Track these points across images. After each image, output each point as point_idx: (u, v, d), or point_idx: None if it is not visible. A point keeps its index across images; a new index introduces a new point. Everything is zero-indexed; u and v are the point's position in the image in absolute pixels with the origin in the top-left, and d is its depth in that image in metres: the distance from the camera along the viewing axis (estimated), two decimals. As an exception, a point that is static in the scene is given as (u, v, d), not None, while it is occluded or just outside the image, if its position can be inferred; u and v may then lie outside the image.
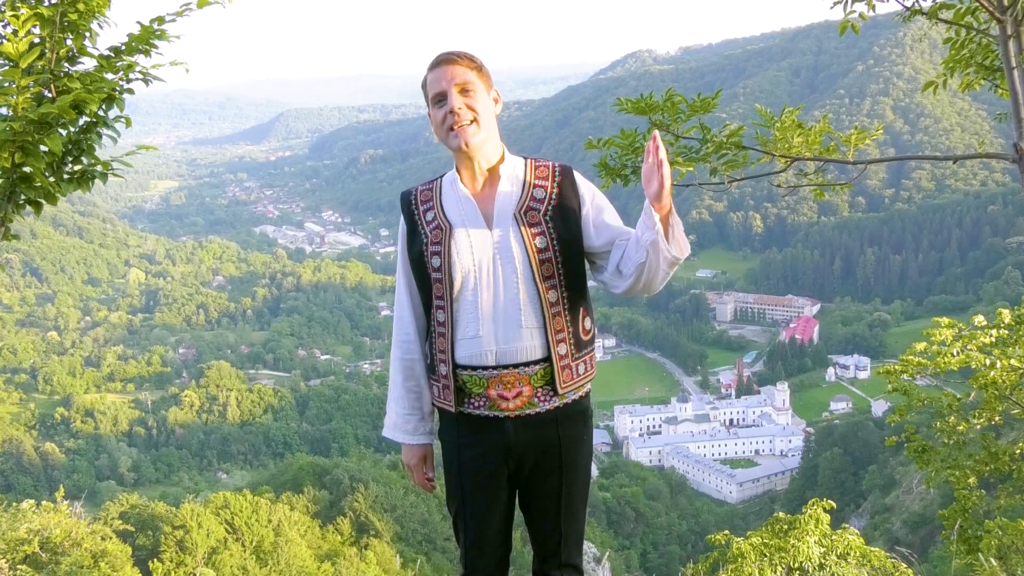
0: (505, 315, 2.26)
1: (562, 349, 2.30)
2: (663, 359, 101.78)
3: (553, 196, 2.32)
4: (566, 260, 2.30)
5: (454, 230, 2.29)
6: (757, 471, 73.17)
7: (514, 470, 2.38)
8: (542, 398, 2.31)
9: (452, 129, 2.25)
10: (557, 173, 2.35)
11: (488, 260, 2.27)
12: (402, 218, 2.43)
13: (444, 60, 2.27)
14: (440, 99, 2.27)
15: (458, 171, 2.37)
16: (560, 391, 2.30)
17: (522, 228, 2.27)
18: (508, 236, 2.27)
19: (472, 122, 2.25)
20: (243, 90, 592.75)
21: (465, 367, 2.30)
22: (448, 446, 2.44)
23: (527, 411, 2.30)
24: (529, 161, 2.39)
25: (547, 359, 2.29)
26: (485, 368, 2.28)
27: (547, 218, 2.29)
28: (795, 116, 3.90)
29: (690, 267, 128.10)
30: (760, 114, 4.00)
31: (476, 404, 2.32)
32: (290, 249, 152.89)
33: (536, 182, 2.34)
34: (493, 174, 2.34)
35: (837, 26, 4.04)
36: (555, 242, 2.28)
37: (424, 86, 2.32)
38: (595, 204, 2.37)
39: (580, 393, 2.39)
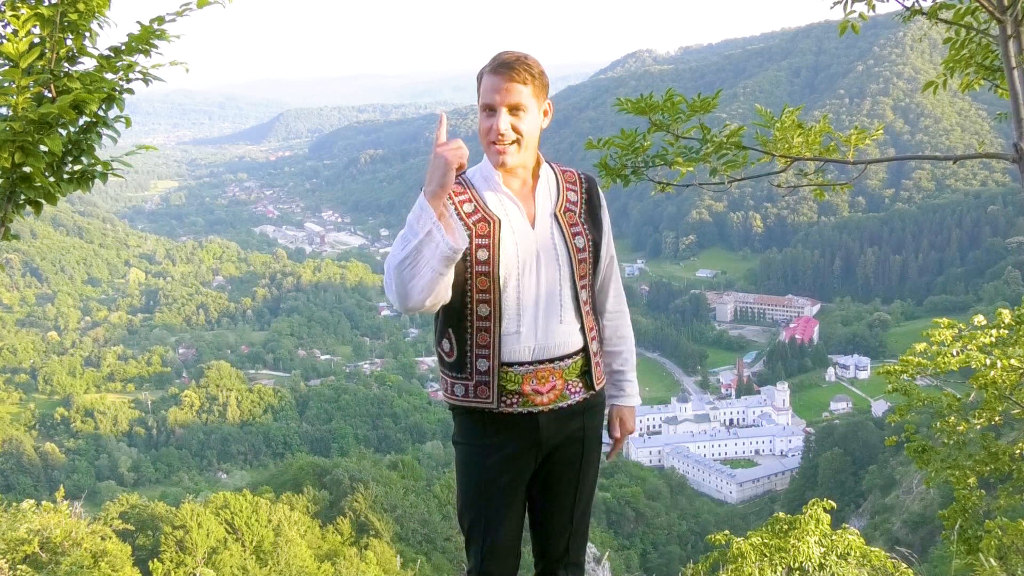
0: (546, 311, 2.30)
1: (594, 346, 2.42)
2: (663, 359, 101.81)
3: (583, 201, 2.42)
4: (595, 261, 2.40)
5: (502, 224, 2.30)
6: (757, 471, 73.19)
7: (541, 465, 2.40)
8: (573, 390, 2.36)
9: (494, 143, 2.25)
10: (584, 180, 2.46)
11: (532, 257, 2.30)
12: None
13: (504, 72, 2.21)
14: (489, 110, 2.25)
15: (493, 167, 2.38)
16: (596, 386, 2.42)
17: (564, 228, 2.34)
18: (551, 235, 2.33)
19: (514, 143, 2.25)
20: (243, 90, 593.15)
21: (503, 363, 2.30)
22: (472, 450, 2.38)
23: (559, 404, 2.34)
24: (555, 165, 2.46)
25: (580, 351, 2.37)
26: (522, 364, 2.29)
27: (582, 220, 2.39)
28: (795, 116, 3.90)
29: (690, 267, 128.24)
30: (760, 114, 4.00)
31: (509, 401, 2.31)
32: (290, 249, 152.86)
33: (567, 186, 2.43)
34: (530, 175, 2.39)
35: (837, 26, 4.04)
36: (590, 243, 2.37)
37: (479, 80, 2.28)
38: (608, 225, 2.50)
39: (602, 384, 2.50)
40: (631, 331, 2.62)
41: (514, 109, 2.22)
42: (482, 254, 2.26)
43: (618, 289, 2.55)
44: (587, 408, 2.41)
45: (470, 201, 2.32)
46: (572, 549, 2.49)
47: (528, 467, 2.37)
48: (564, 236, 2.32)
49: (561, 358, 2.33)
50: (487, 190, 2.34)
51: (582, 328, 2.36)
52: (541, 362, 2.30)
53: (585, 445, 2.42)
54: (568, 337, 2.33)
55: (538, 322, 2.29)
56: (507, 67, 2.21)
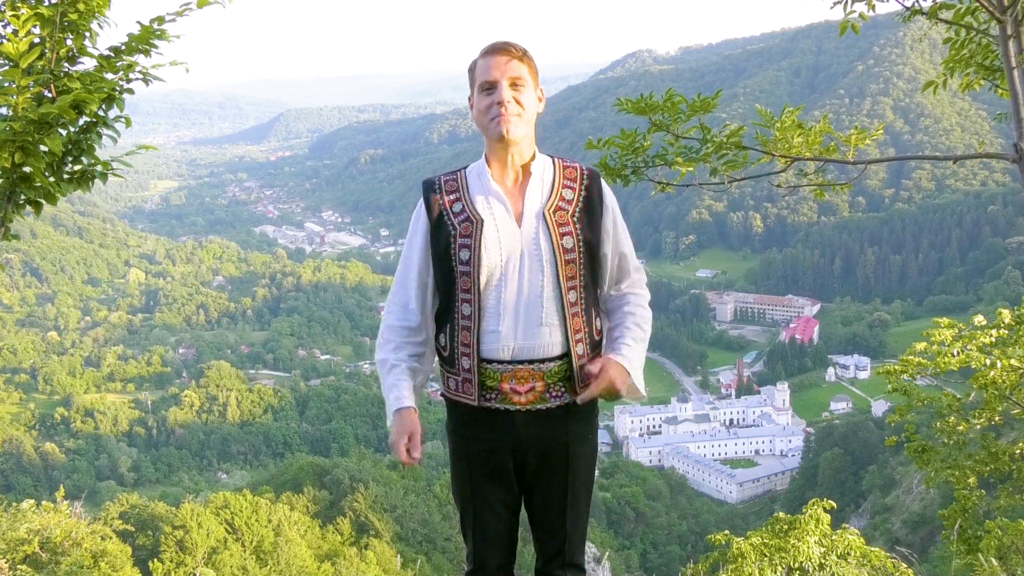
0: (527, 311, 2.27)
1: (580, 349, 2.33)
2: (663, 359, 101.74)
3: (581, 199, 2.35)
4: (587, 262, 2.33)
5: (484, 224, 2.29)
6: (757, 471, 73.17)
7: (520, 465, 2.38)
8: (553, 394, 2.32)
9: (495, 119, 2.26)
10: (585, 177, 2.39)
11: (515, 256, 2.28)
12: (421, 205, 2.40)
13: (500, 49, 2.27)
14: (489, 87, 2.27)
15: (488, 163, 2.37)
16: (579, 391, 2.33)
17: (551, 227, 2.29)
18: (537, 234, 2.28)
19: (517, 116, 2.27)
20: (243, 90, 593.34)
21: (483, 360, 2.31)
22: (456, 439, 2.44)
23: (538, 406, 2.32)
24: (557, 160, 2.41)
25: (563, 356, 2.31)
26: (501, 362, 2.29)
27: (575, 219, 2.32)
28: (795, 116, 3.90)
29: (690, 267, 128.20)
30: (760, 114, 4.00)
31: (489, 397, 2.33)
32: (290, 249, 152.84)
33: (565, 183, 2.36)
34: (524, 170, 2.35)
35: (837, 26, 4.04)
36: (580, 243, 2.31)
37: (472, 70, 2.32)
38: (615, 220, 2.42)
39: None
40: (642, 310, 2.47)
41: (514, 83, 2.26)
42: (464, 254, 2.28)
43: (634, 278, 2.49)
44: (570, 413, 2.35)
45: (459, 200, 2.34)
46: (568, 551, 2.46)
47: (506, 463, 2.36)
48: (550, 236, 2.27)
49: (543, 360, 2.29)
50: (478, 188, 2.35)
51: (566, 331, 2.30)
52: (521, 362, 2.28)
53: (571, 450, 2.38)
54: (550, 339, 2.28)
55: (518, 322, 2.27)
56: (503, 45, 2.28)
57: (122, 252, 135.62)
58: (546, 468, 2.39)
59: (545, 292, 2.27)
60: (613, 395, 2.33)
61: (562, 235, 2.29)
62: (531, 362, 2.29)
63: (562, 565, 2.47)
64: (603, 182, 2.42)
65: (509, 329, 2.27)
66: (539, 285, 2.27)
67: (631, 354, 2.37)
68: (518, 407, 2.31)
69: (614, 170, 4.16)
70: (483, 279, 2.27)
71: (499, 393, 2.31)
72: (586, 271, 2.33)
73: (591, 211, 2.35)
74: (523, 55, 2.28)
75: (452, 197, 2.35)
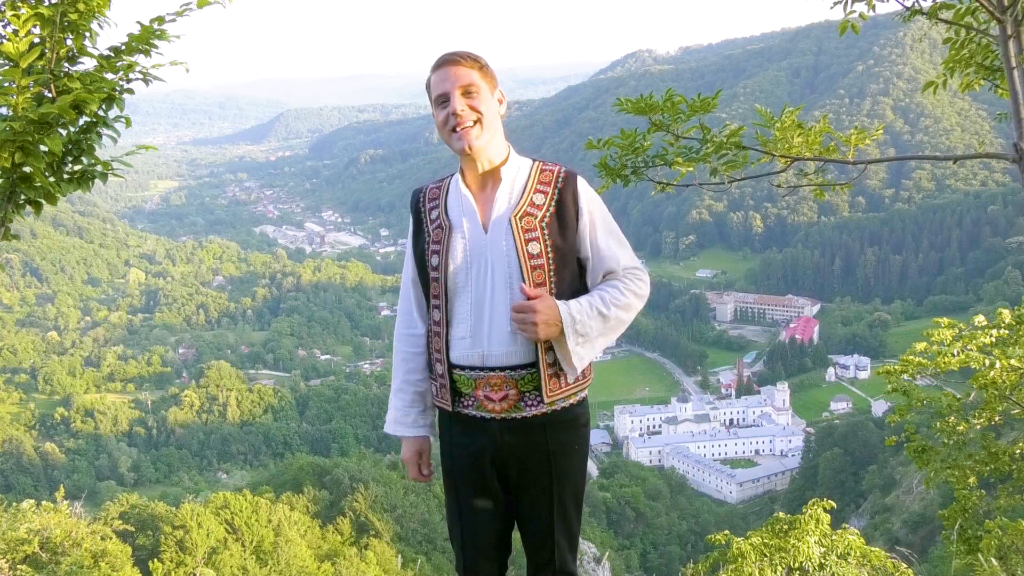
0: (494, 318, 2.25)
1: (551, 357, 2.27)
2: (663, 359, 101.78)
3: (552, 203, 2.29)
4: (559, 268, 2.28)
5: (453, 230, 2.30)
6: (757, 471, 73.19)
7: (502, 474, 2.36)
8: (529, 403, 2.28)
9: (455, 131, 2.24)
10: (560, 179, 2.32)
11: (481, 262, 2.26)
12: (411, 214, 2.45)
13: (447, 61, 2.26)
14: (443, 100, 2.25)
15: (462, 171, 2.36)
16: (547, 399, 2.28)
17: (516, 233, 2.25)
18: (501, 240, 2.26)
19: (476, 123, 2.24)
20: (243, 90, 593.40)
21: (456, 366, 2.31)
22: (443, 445, 2.45)
23: (513, 414, 2.29)
24: (536, 164, 2.37)
25: (534, 364, 2.26)
26: (473, 369, 2.28)
27: (543, 224, 2.27)
28: (795, 116, 3.90)
29: (690, 267, 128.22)
30: (760, 114, 4.00)
31: (466, 404, 2.33)
32: (290, 249, 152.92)
33: (538, 187, 2.31)
34: (495, 175, 2.33)
35: (837, 26, 4.04)
36: (549, 249, 2.26)
37: (428, 87, 2.31)
38: (592, 221, 2.33)
39: (571, 401, 2.35)
40: (615, 291, 2.30)
41: (467, 91, 2.24)
42: (434, 260, 2.31)
43: (617, 274, 2.34)
44: (550, 423, 2.30)
45: (437, 207, 2.37)
46: (557, 560, 2.42)
47: (488, 472, 2.34)
48: (516, 242, 2.24)
49: (514, 367, 2.26)
50: (454, 195, 2.36)
51: None
52: (492, 369, 2.26)
53: (553, 461, 2.32)
54: (519, 346, 2.24)
55: (485, 329, 2.25)
56: (450, 56, 2.28)
57: (122, 252, 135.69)
58: (528, 477, 2.35)
59: (512, 299, 2.23)
60: (534, 327, 2.16)
61: (528, 241, 2.24)
62: (502, 369, 2.26)
63: (553, 573, 2.44)
64: (581, 185, 2.34)
65: (478, 336, 2.26)
66: (505, 291, 2.24)
67: (576, 308, 2.22)
68: (493, 415, 2.29)
69: (614, 170, 4.16)
70: (449, 284, 2.28)
71: (474, 400, 2.31)
72: (559, 277, 2.27)
73: (563, 216, 2.29)
74: (473, 62, 2.26)
75: (432, 204, 2.38)
